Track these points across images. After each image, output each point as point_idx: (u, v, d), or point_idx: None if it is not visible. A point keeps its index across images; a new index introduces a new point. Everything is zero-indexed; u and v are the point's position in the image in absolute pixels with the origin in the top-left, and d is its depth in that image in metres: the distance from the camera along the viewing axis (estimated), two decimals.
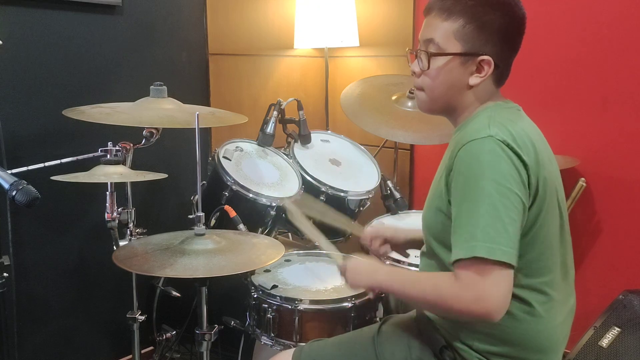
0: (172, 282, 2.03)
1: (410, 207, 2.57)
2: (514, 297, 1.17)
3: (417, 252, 1.87)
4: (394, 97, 2.41)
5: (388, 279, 1.27)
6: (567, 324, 1.30)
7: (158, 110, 1.72)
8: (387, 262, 1.90)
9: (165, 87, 1.78)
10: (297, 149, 2.22)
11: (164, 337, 2.05)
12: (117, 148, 1.67)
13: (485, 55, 1.21)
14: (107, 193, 1.66)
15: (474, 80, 1.23)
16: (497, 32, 1.20)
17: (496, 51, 1.21)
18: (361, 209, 2.18)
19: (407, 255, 1.69)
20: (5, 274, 1.40)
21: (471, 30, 1.20)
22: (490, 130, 1.14)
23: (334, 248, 1.58)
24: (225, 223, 1.85)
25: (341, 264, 1.39)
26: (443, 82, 1.25)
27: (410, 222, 2.22)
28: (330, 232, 2.17)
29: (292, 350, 1.41)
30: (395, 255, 1.89)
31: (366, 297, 1.67)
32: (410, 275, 1.27)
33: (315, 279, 1.81)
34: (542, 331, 1.22)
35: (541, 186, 1.16)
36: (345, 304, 1.65)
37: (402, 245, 1.62)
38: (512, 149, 1.12)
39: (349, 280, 1.36)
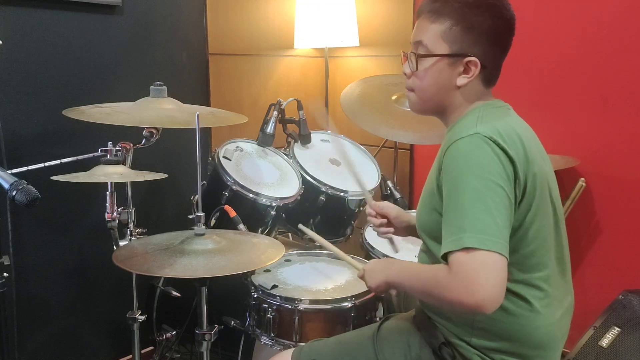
0: (172, 282, 2.03)
1: (410, 206, 2.57)
2: (511, 292, 1.17)
3: (410, 248, 1.89)
4: (394, 97, 2.41)
5: (398, 273, 1.28)
6: (565, 321, 1.30)
7: (158, 110, 1.73)
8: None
9: (165, 87, 1.79)
10: (297, 149, 2.22)
11: (164, 337, 2.05)
12: (117, 148, 1.67)
13: (472, 56, 1.22)
14: (107, 193, 1.66)
15: (461, 80, 1.24)
16: (485, 33, 1.21)
17: (484, 52, 1.23)
18: (361, 209, 2.18)
19: (397, 250, 1.69)
20: (5, 274, 1.40)
21: (458, 32, 1.22)
22: (477, 128, 1.15)
23: (353, 259, 1.59)
24: (225, 223, 1.85)
25: (360, 272, 1.40)
26: (431, 83, 1.27)
27: None
28: (331, 232, 2.18)
29: (292, 350, 1.41)
30: (387, 251, 1.89)
31: (366, 297, 1.67)
32: (415, 268, 1.27)
33: (315, 279, 1.81)
34: (539, 327, 1.22)
35: (530, 182, 1.17)
36: (345, 304, 1.65)
37: (404, 229, 1.61)
38: (498, 145, 1.13)
39: (367, 283, 1.35)
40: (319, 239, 1.68)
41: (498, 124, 1.18)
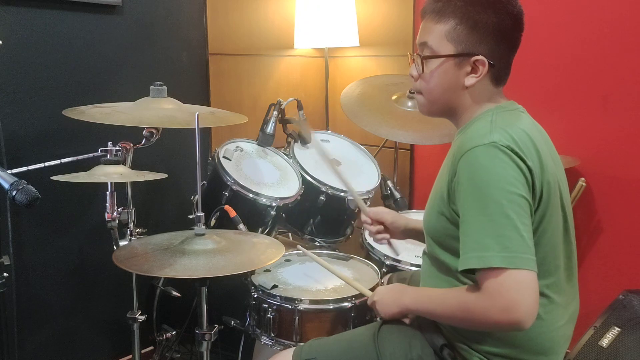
0: (172, 282, 2.03)
1: (410, 207, 2.57)
2: None
3: (409, 249, 1.88)
4: (394, 97, 2.41)
5: (414, 302, 1.28)
6: (569, 326, 1.29)
7: (158, 110, 1.73)
8: (387, 262, 1.90)
9: (165, 87, 1.79)
10: (297, 149, 2.22)
11: (164, 337, 2.05)
12: (117, 148, 1.67)
13: (478, 55, 1.20)
14: (107, 193, 1.66)
15: (469, 80, 1.23)
16: (490, 31, 1.20)
17: (491, 50, 1.21)
18: None
19: (397, 254, 1.67)
20: (5, 274, 1.40)
21: (463, 31, 1.20)
22: (493, 136, 1.13)
23: (362, 286, 1.59)
24: (225, 223, 1.85)
25: (370, 299, 1.41)
26: (438, 85, 1.26)
27: None
28: (331, 232, 2.18)
29: (293, 349, 1.41)
30: (387, 251, 1.88)
31: (366, 297, 1.67)
32: (435, 295, 1.25)
33: (315, 279, 1.81)
34: (543, 333, 1.21)
35: (545, 190, 1.16)
36: (345, 304, 1.65)
37: (401, 233, 1.60)
38: (516, 154, 1.11)
39: (380, 313, 1.36)
40: (325, 265, 1.67)
41: (512, 130, 1.16)
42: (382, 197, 2.32)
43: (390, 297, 1.34)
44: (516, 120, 1.22)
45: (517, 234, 1.07)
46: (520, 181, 1.10)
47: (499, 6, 1.20)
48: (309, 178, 2.09)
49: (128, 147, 1.72)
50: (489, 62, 1.21)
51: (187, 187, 2.27)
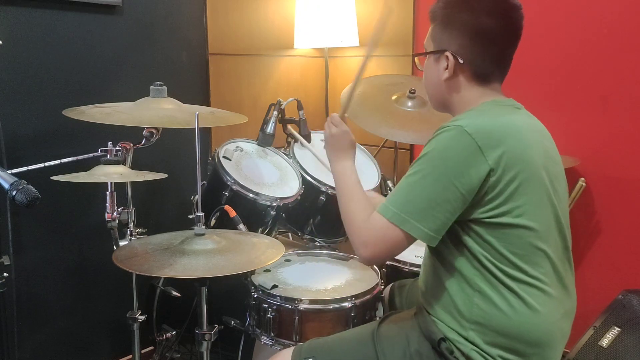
0: (172, 282, 2.03)
1: None
2: (509, 290, 1.20)
3: (409, 248, 1.88)
4: (394, 97, 2.41)
5: (340, 173, 1.45)
6: (565, 322, 1.30)
7: (158, 110, 1.73)
8: (387, 262, 1.90)
9: (165, 87, 1.79)
10: (297, 149, 2.22)
11: (164, 337, 2.05)
12: (117, 148, 1.67)
13: (448, 50, 1.29)
14: (107, 193, 1.66)
15: (444, 75, 1.32)
16: (461, 28, 1.28)
17: (460, 46, 1.28)
18: None
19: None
20: (5, 274, 1.40)
21: (438, 29, 1.32)
22: (462, 121, 1.20)
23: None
24: (225, 223, 1.85)
25: (334, 120, 1.50)
26: (427, 79, 1.39)
27: None
28: (331, 232, 2.18)
29: (292, 348, 1.41)
30: None
31: (366, 297, 1.67)
32: (351, 188, 1.40)
33: (315, 279, 1.81)
34: (539, 325, 1.23)
35: (514, 184, 1.18)
36: (345, 303, 1.65)
37: None
38: (476, 140, 1.16)
39: (325, 140, 1.49)
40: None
41: (490, 119, 1.22)
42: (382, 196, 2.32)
43: (339, 150, 1.47)
44: (504, 113, 1.27)
45: (429, 208, 1.17)
46: (463, 170, 1.16)
47: (476, 6, 1.27)
48: (309, 178, 2.09)
49: (128, 147, 1.72)
50: (455, 56, 1.28)
51: (187, 187, 2.27)
